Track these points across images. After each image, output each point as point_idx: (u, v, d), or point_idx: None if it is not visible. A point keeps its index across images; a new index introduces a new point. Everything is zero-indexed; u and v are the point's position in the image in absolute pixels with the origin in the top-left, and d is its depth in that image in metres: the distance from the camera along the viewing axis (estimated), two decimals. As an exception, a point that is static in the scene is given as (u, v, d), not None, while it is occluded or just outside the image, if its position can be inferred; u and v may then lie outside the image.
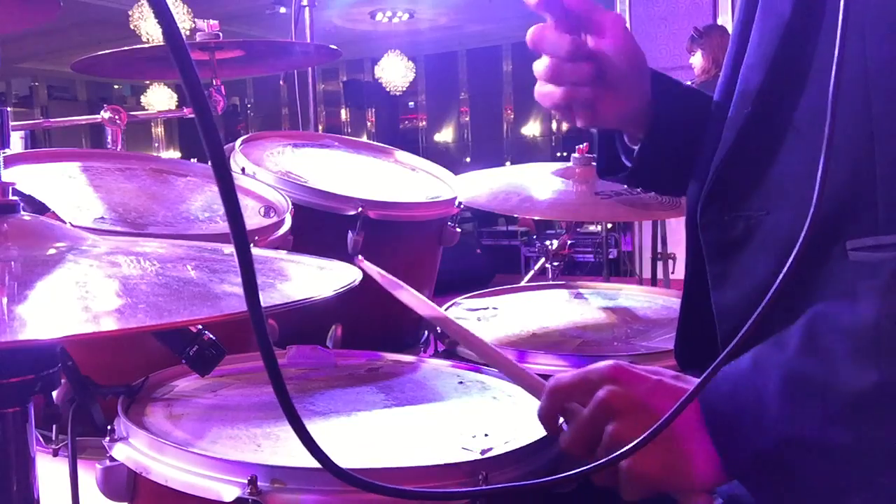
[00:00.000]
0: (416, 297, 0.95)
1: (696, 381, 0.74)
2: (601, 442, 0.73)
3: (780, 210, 0.81)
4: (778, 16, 0.81)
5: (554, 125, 11.64)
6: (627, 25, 0.96)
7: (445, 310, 1.52)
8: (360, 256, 1.02)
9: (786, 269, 0.65)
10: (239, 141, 1.67)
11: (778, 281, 0.65)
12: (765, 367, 0.69)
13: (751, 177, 0.84)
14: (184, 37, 0.45)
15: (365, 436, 0.86)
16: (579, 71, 0.92)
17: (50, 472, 0.95)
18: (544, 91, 0.95)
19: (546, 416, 0.78)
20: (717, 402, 0.71)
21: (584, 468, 0.71)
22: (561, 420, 0.78)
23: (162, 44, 0.44)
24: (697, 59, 4.60)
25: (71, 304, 0.61)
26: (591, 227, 6.68)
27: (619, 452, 0.69)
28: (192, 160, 1.80)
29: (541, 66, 0.94)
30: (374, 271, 0.99)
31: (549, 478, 0.69)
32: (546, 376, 1.20)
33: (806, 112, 0.79)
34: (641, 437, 0.68)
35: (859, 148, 0.72)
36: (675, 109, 0.99)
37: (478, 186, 1.78)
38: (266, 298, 0.68)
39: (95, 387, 0.83)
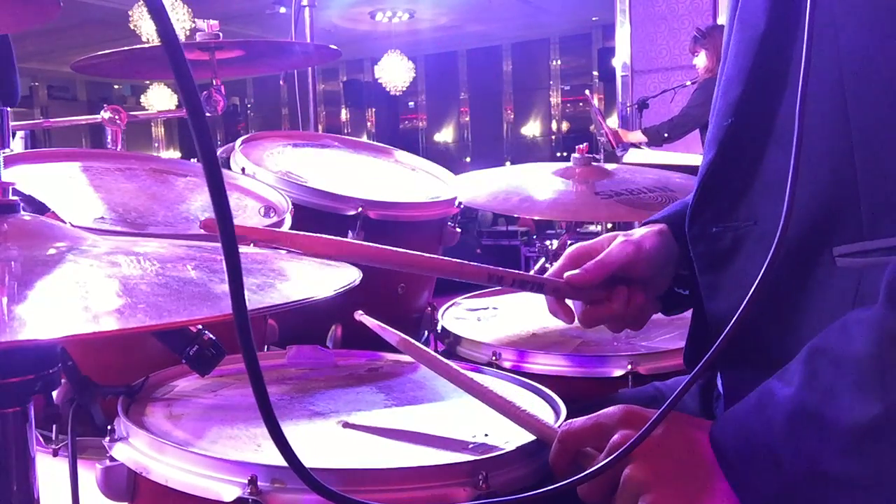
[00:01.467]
0: (424, 351, 0.96)
1: (708, 423, 0.74)
2: (619, 487, 0.72)
3: (766, 219, 0.81)
4: (753, 27, 0.82)
5: (554, 125, 11.64)
6: (631, 238, 1.03)
7: (445, 310, 1.52)
8: (360, 311, 1.04)
9: (762, 272, 0.65)
10: (239, 141, 1.67)
11: (755, 284, 0.65)
12: (770, 406, 0.68)
13: (736, 188, 0.84)
14: (180, 40, 0.45)
15: (365, 436, 0.86)
16: (635, 303, 1.02)
17: (50, 472, 0.95)
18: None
19: (558, 463, 0.77)
20: (727, 442, 0.71)
21: (577, 477, 0.70)
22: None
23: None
24: (701, 60, 4.61)
25: (71, 304, 0.61)
26: (591, 227, 6.68)
27: (614, 456, 0.69)
28: (192, 160, 1.80)
29: (606, 328, 1.07)
30: (376, 325, 1.00)
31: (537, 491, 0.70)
32: (546, 376, 1.20)
33: (785, 120, 0.79)
34: (631, 440, 0.68)
35: (839, 153, 0.72)
36: None
37: (478, 186, 1.78)
38: (266, 298, 0.68)
39: (95, 387, 0.83)
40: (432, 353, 0.95)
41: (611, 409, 0.77)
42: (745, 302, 0.66)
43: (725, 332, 0.67)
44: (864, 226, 0.71)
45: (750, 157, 0.82)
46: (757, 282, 0.66)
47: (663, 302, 1.08)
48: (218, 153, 1.68)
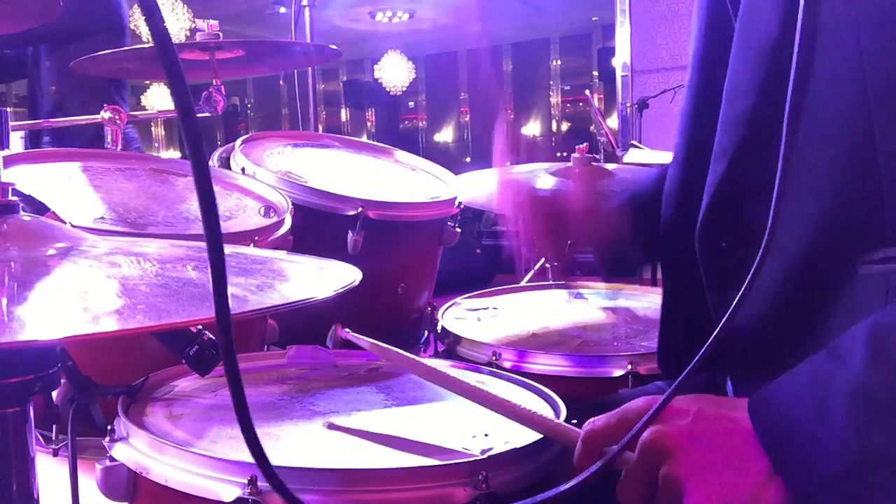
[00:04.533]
0: (414, 361, 0.95)
1: (743, 402, 0.69)
2: (659, 489, 0.69)
3: (783, 233, 0.79)
4: (764, 34, 0.79)
5: (554, 125, 11.64)
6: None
7: (445, 310, 1.52)
8: (347, 330, 1.04)
9: (752, 269, 0.63)
10: (239, 141, 1.67)
11: (745, 285, 0.63)
12: (828, 384, 0.64)
13: (748, 202, 0.82)
14: (173, 39, 0.45)
15: (364, 435, 0.86)
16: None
17: (50, 472, 0.95)
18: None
19: (584, 465, 0.74)
20: (775, 424, 0.66)
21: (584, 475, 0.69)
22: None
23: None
24: None
25: (71, 304, 0.61)
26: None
27: (614, 452, 0.68)
28: (192, 160, 1.80)
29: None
30: (364, 342, 1.00)
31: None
32: (546, 376, 1.20)
33: (805, 128, 0.77)
34: (618, 445, 0.67)
35: (862, 157, 0.70)
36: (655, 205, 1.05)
37: (478, 186, 1.78)
38: (266, 298, 0.68)
39: (95, 387, 0.83)
40: (418, 359, 0.95)
41: (633, 402, 0.74)
42: (735, 302, 0.63)
43: (714, 333, 0.63)
44: (888, 231, 0.69)
45: (763, 170, 0.80)
46: (745, 283, 0.63)
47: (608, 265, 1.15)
48: (218, 153, 1.68)
